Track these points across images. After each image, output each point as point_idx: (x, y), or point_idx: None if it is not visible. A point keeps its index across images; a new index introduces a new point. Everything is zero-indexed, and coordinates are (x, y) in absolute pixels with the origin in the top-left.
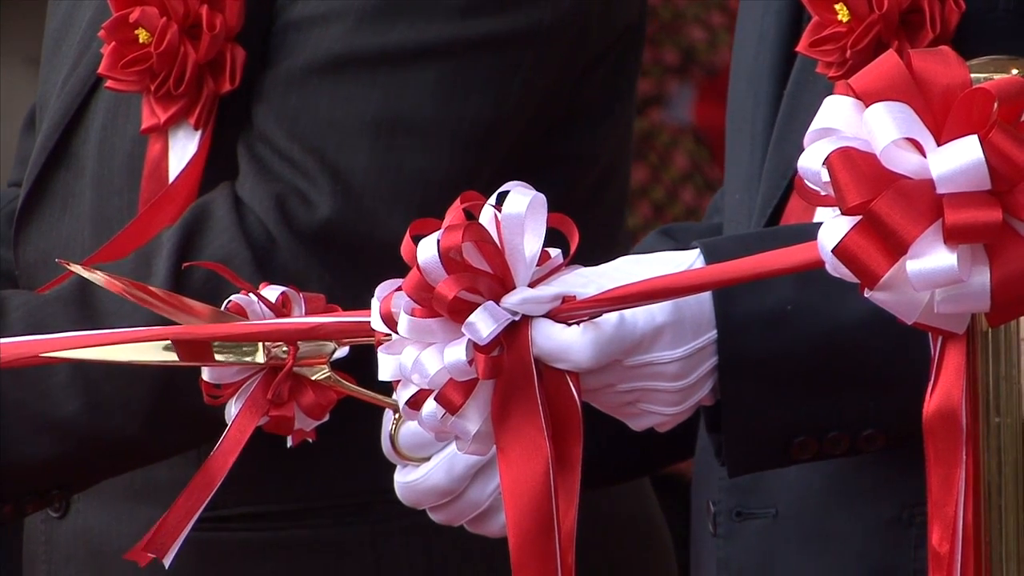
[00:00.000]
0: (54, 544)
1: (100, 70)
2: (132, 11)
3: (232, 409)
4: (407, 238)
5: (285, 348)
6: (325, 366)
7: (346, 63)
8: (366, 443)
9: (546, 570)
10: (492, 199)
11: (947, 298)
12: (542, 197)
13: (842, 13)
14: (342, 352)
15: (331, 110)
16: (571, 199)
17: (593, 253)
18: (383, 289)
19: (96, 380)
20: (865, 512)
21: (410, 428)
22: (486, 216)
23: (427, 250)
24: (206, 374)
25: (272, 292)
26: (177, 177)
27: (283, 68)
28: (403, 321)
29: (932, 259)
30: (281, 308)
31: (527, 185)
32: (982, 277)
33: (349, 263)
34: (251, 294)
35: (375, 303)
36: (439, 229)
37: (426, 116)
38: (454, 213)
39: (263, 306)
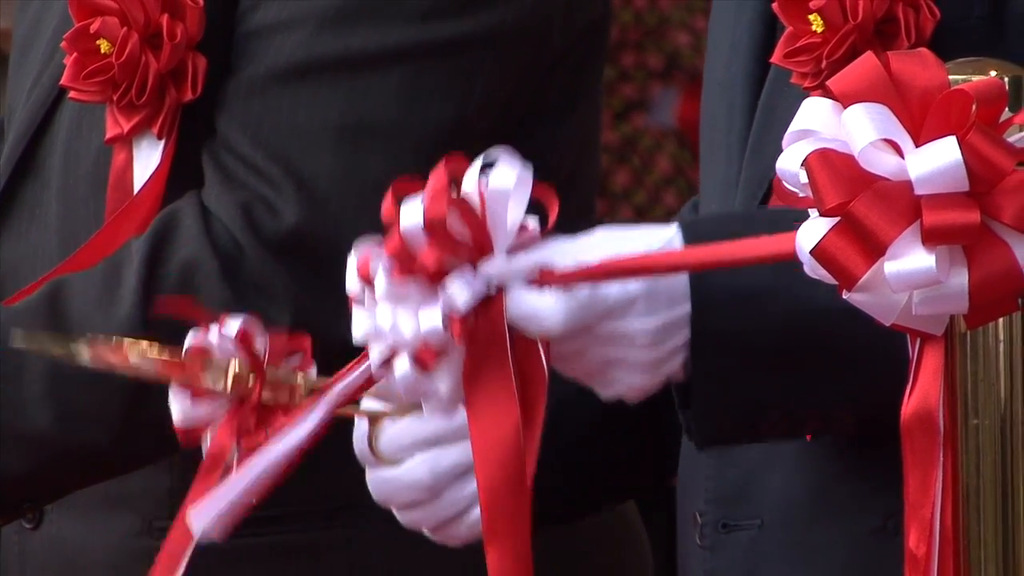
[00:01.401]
0: (28, 555)
1: (63, 81)
2: (93, 21)
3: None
4: (388, 195)
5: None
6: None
7: (308, 69)
8: (341, 449)
9: (516, 530)
10: (478, 163)
11: (925, 300)
12: (528, 171)
13: (816, 23)
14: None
15: (294, 117)
16: None
17: None
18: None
19: (69, 392)
20: (850, 522)
21: (388, 435)
22: (471, 182)
23: (411, 217)
24: (176, 417)
25: (232, 326)
26: (142, 187)
27: (245, 76)
28: (380, 281)
29: (910, 260)
30: (242, 341)
31: (514, 155)
32: (960, 279)
33: (316, 269)
34: (212, 326)
35: (351, 261)
36: (421, 190)
37: (389, 120)
38: (437, 177)
39: (226, 341)
